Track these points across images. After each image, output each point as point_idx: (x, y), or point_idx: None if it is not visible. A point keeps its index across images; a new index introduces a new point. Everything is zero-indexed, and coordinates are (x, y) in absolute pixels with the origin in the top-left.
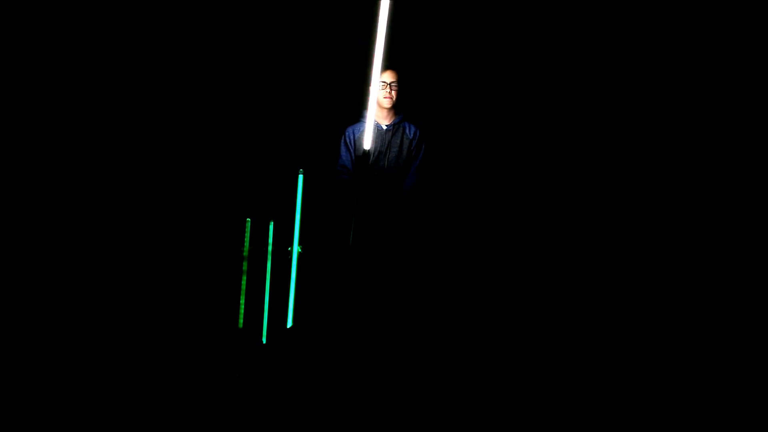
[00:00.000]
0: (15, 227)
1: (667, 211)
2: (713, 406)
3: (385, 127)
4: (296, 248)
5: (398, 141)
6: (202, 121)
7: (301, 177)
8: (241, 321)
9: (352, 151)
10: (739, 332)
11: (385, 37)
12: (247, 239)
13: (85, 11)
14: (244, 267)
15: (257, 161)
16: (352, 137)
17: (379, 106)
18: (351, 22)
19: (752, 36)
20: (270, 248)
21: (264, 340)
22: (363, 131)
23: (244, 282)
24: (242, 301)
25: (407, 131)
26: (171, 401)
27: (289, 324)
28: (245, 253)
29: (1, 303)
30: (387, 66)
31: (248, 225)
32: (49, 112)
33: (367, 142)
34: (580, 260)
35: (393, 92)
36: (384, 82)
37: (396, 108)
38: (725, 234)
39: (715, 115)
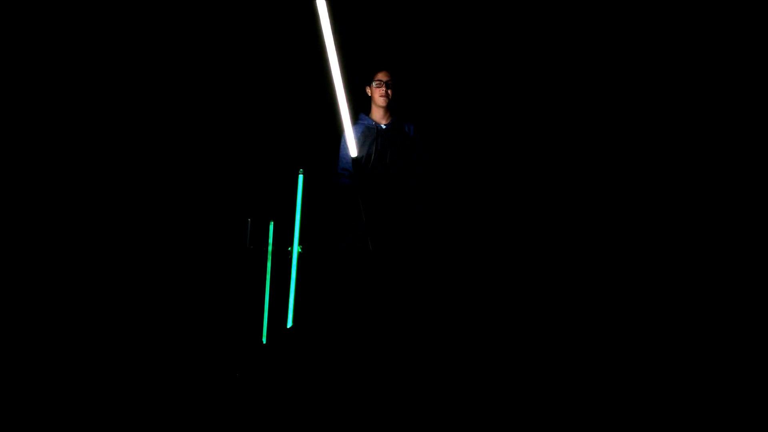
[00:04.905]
0: (18, 229)
1: (667, 211)
2: (713, 405)
3: (384, 127)
4: (296, 248)
5: (399, 140)
6: (202, 121)
7: (301, 177)
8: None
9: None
10: (739, 332)
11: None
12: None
13: (85, 11)
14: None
15: (257, 161)
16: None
17: (376, 105)
18: (350, 22)
19: (752, 36)
20: (270, 248)
21: (264, 340)
22: (362, 133)
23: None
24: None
25: (407, 130)
26: (171, 401)
27: (289, 324)
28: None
29: (6, 303)
30: (381, 65)
31: (248, 224)
32: (51, 114)
33: (352, 150)
34: (581, 260)
35: (389, 91)
36: (379, 80)
37: (393, 107)
38: (725, 234)
39: (715, 115)
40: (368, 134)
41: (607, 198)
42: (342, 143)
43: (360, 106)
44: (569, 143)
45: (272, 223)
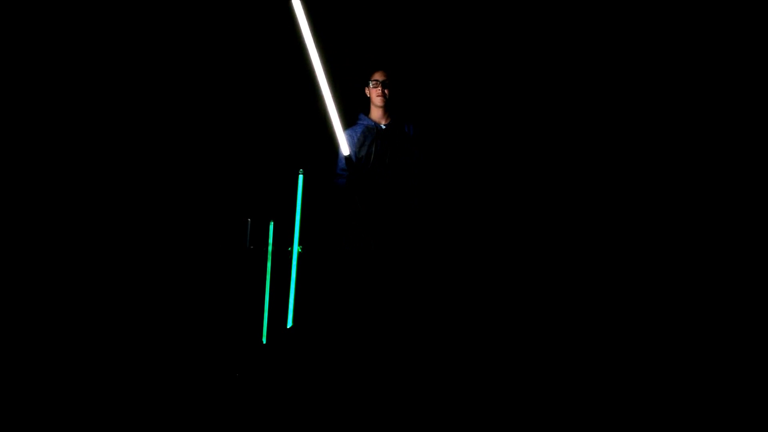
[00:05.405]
0: (19, 230)
1: (666, 211)
2: (713, 406)
3: (383, 127)
4: (296, 248)
5: (399, 140)
6: (202, 122)
7: (301, 177)
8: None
9: (352, 153)
10: (739, 332)
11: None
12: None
13: (86, 12)
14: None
15: (257, 161)
16: (351, 140)
17: (374, 105)
18: (350, 23)
19: (752, 36)
20: (270, 248)
21: (264, 340)
22: (362, 133)
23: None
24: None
25: (407, 130)
26: (172, 401)
27: (289, 324)
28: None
29: (8, 304)
30: (378, 65)
31: (248, 224)
32: (50, 116)
33: (344, 148)
34: (581, 259)
35: (386, 90)
36: (376, 80)
37: (392, 107)
38: (725, 234)
39: (715, 115)
40: (368, 134)
41: (607, 197)
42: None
43: (360, 106)
44: (568, 142)
45: (272, 223)
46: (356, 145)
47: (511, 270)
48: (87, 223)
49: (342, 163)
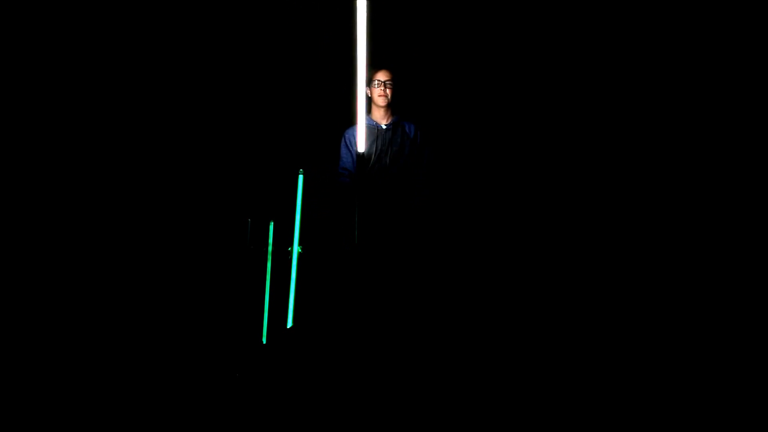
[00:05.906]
0: (19, 230)
1: (667, 211)
2: (713, 406)
3: (384, 127)
4: (296, 248)
5: (399, 140)
6: (202, 122)
7: (301, 177)
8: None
9: (353, 152)
10: (739, 332)
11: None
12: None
13: (86, 12)
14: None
15: (257, 161)
16: (352, 139)
17: (375, 105)
18: (350, 23)
19: (752, 36)
20: (270, 248)
21: (264, 340)
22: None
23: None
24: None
25: (407, 130)
26: (172, 401)
27: (289, 324)
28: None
29: (8, 303)
30: (381, 65)
31: (248, 224)
32: (52, 115)
33: (361, 145)
34: (581, 261)
35: (388, 90)
36: (378, 80)
37: (393, 107)
38: (725, 234)
39: (715, 115)
40: (369, 134)
41: (609, 198)
42: (342, 143)
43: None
44: (570, 143)
45: (272, 223)
46: (357, 144)
47: (509, 269)
48: (88, 223)
49: (343, 163)
